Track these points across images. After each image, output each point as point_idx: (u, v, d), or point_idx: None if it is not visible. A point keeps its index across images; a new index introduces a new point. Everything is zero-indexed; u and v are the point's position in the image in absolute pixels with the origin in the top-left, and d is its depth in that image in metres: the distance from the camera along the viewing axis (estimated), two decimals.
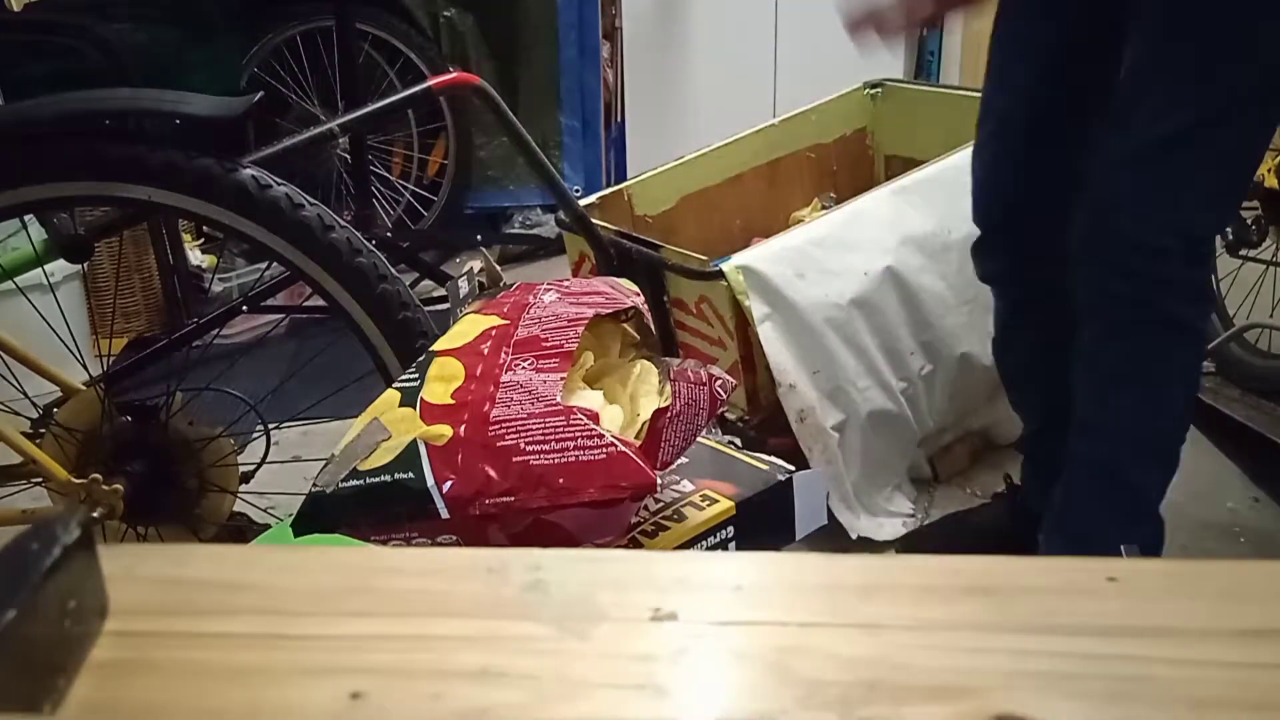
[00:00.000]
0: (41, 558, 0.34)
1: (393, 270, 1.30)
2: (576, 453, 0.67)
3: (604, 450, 0.67)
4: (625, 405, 0.77)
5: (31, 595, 0.33)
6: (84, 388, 1.44)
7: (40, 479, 1.36)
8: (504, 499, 0.67)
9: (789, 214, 2.32)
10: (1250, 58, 1.13)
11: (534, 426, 0.68)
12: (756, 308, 1.68)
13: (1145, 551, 1.29)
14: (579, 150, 3.27)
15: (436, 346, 0.80)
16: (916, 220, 1.82)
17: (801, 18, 3.09)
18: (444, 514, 0.68)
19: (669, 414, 0.74)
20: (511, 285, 0.95)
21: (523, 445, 0.68)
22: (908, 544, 1.74)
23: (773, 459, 0.88)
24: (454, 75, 1.70)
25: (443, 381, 0.75)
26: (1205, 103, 1.14)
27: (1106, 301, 1.21)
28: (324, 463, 0.73)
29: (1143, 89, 1.17)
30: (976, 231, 1.50)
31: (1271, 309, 2.08)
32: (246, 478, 1.44)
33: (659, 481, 0.75)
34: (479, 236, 3.04)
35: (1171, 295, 1.19)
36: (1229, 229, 2.08)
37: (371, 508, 0.70)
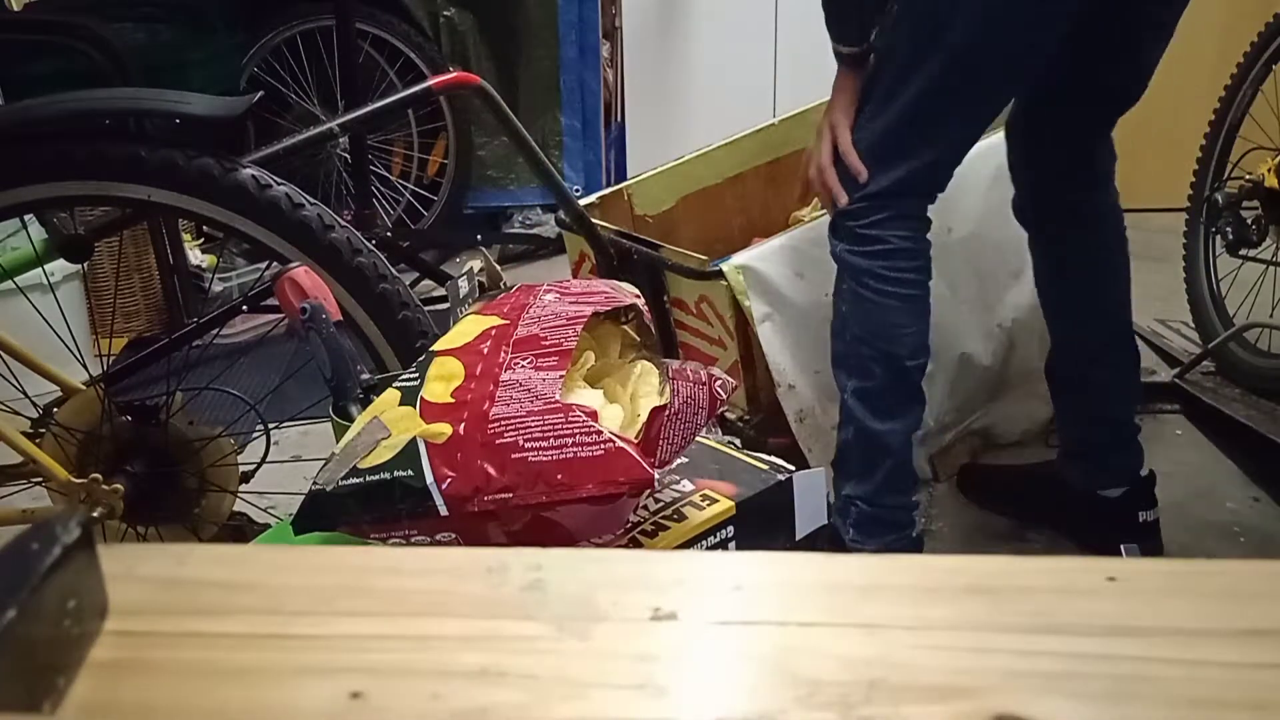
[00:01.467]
0: (41, 558, 0.34)
1: (393, 270, 1.31)
2: (575, 449, 0.67)
3: (602, 447, 0.67)
4: (625, 405, 0.77)
5: (31, 595, 0.33)
6: (84, 387, 1.44)
7: (40, 479, 1.36)
8: (502, 495, 0.67)
9: (789, 214, 2.31)
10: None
11: (533, 424, 0.68)
12: (756, 307, 1.68)
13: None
14: (579, 150, 3.27)
15: (437, 346, 0.80)
16: None
17: (801, 18, 3.09)
18: (443, 511, 0.68)
19: (668, 412, 0.74)
20: (511, 285, 0.95)
21: (521, 442, 0.68)
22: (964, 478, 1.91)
23: (773, 459, 0.88)
24: (454, 75, 1.70)
25: (443, 380, 0.75)
26: None
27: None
28: (324, 461, 0.74)
29: None
30: (975, 232, 1.54)
31: (1271, 309, 2.08)
32: (246, 477, 1.44)
33: (657, 480, 0.75)
34: (479, 236, 3.04)
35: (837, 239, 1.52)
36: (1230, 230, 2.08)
37: (371, 505, 0.70)
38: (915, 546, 1.59)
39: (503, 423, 0.69)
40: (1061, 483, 1.71)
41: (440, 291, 2.53)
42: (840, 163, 1.50)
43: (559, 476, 0.67)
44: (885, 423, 1.52)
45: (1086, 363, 1.67)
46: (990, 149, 1.68)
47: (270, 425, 1.49)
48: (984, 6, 1.36)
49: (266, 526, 1.41)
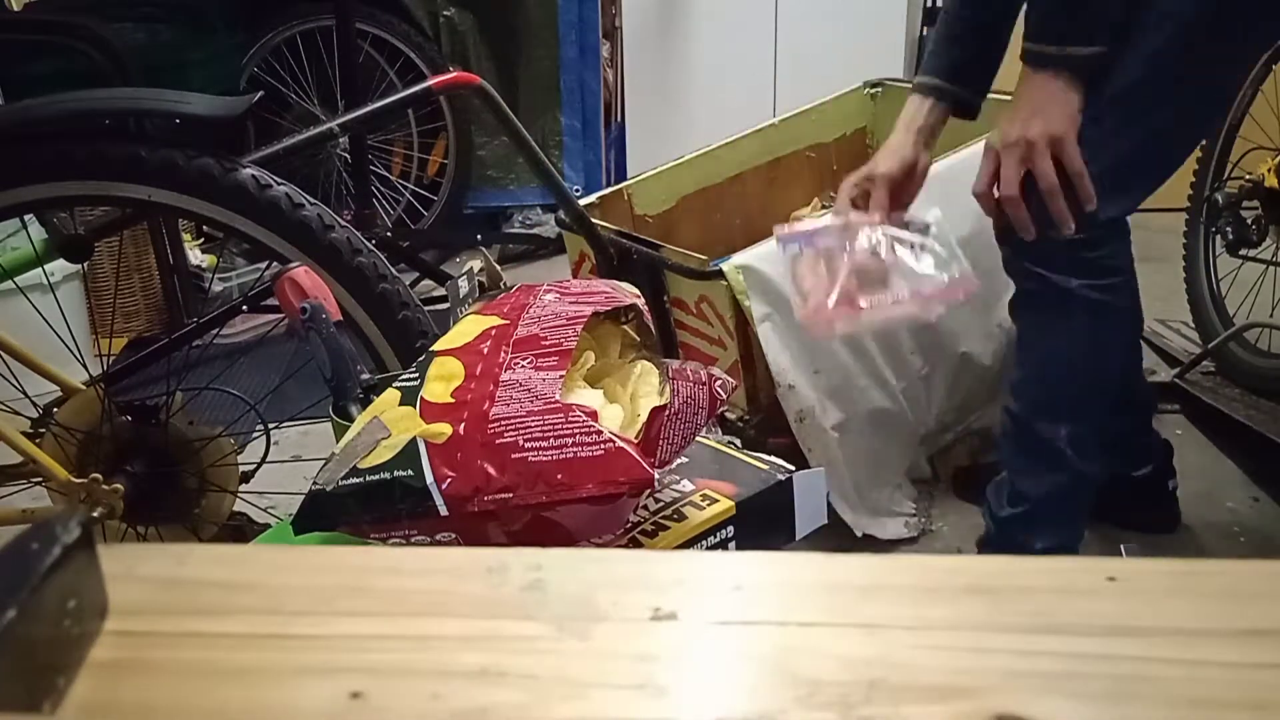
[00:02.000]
0: (41, 557, 0.34)
1: (393, 270, 1.30)
2: (575, 449, 0.67)
3: (602, 446, 0.67)
4: (625, 405, 0.77)
5: (31, 595, 0.33)
6: (84, 387, 1.44)
7: (40, 479, 1.36)
8: (502, 495, 0.67)
9: (789, 214, 2.32)
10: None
11: (533, 424, 0.69)
12: (756, 307, 1.68)
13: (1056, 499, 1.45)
14: (579, 150, 3.27)
15: (437, 346, 0.80)
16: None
17: (801, 18, 3.09)
18: (443, 511, 0.68)
19: (668, 412, 0.74)
20: (511, 285, 0.95)
21: (521, 442, 0.68)
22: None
23: (773, 459, 0.88)
24: (454, 75, 1.70)
25: (443, 380, 0.75)
26: None
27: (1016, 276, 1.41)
28: (324, 461, 0.74)
29: None
30: (976, 231, 1.53)
31: (1271, 308, 2.08)
32: (246, 477, 1.44)
33: (657, 480, 0.75)
34: (479, 236, 3.04)
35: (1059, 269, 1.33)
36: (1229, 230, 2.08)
37: (371, 505, 0.70)
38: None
39: (503, 423, 0.69)
40: None
41: (440, 291, 2.53)
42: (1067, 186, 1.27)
43: (559, 476, 0.67)
44: (1095, 463, 1.43)
45: (1130, 361, 1.64)
46: None
47: (270, 425, 1.49)
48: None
49: (266, 526, 1.41)
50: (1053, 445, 1.41)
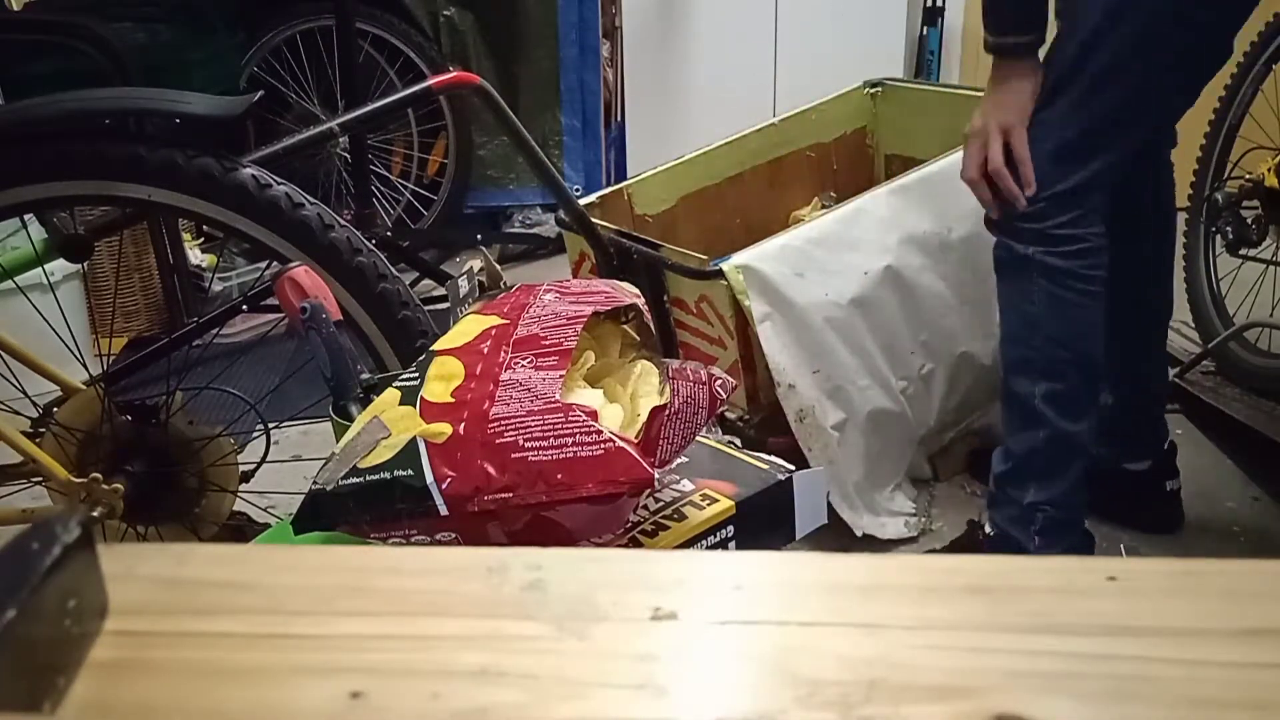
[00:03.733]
0: (41, 557, 0.34)
1: (393, 269, 1.31)
2: (575, 449, 0.67)
3: (602, 446, 0.67)
4: (625, 404, 0.77)
5: (31, 595, 0.33)
6: (84, 387, 1.44)
7: (40, 478, 1.35)
8: (502, 495, 0.67)
9: (789, 213, 2.32)
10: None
11: (533, 423, 0.69)
12: (756, 307, 1.68)
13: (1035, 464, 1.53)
14: (579, 149, 3.27)
15: (437, 346, 0.80)
16: (916, 219, 1.82)
17: (801, 18, 3.09)
18: (443, 511, 0.68)
19: (668, 412, 0.74)
20: (511, 285, 0.95)
21: (521, 442, 0.68)
22: None
23: (773, 458, 0.88)
24: (454, 74, 1.70)
25: (443, 380, 0.75)
26: None
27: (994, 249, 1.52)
28: (324, 461, 0.74)
29: None
30: (975, 231, 1.55)
31: (1271, 308, 2.08)
32: (246, 477, 1.44)
33: (657, 479, 0.75)
34: (479, 236, 3.04)
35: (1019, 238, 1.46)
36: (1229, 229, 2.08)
37: (371, 505, 0.70)
38: (1090, 542, 1.61)
39: (503, 422, 0.69)
40: None
41: (440, 291, 2.53)
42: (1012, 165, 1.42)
43: (559, 476, 0.67)
44: (1078, 423, 1.49)
45: (1132, 348, 1.66)
46: None
47: (270, 425, 1.49)
48: None
49: (266, 526, 1.41)
50: (1029, 403, 1.50)
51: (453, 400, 0.72)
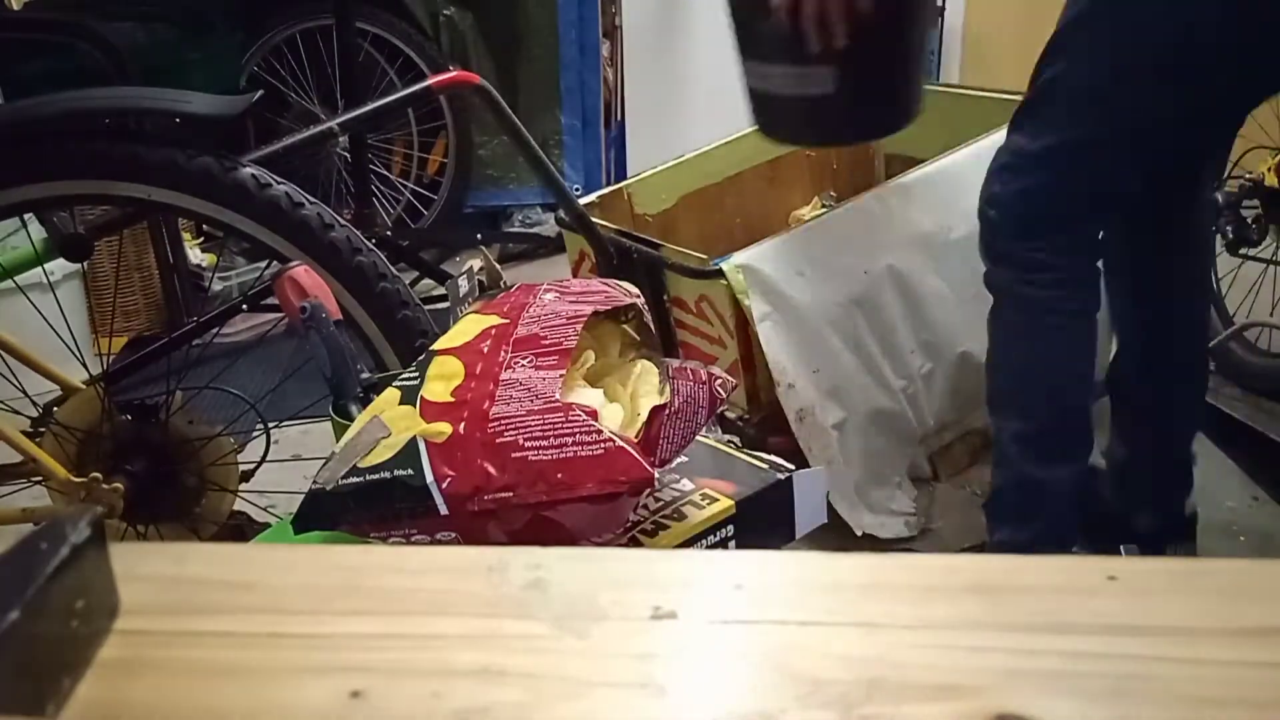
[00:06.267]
0: (49, 557, 0.34)
1: (392, 269, 1.30)
2: (575, 448, 0.67)
3: (602, 446, 0.67)
4: (625, 404, 0.77)
5: (37, 595, 0.33)
6: (84, 386, 1.44)
7: (40, 478, 1.35)
8: (502, 494, 0.67)
9: (789, 213, 2.32)
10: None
11: (533, 423, 0.68)
12: (756, 306, 1.68)
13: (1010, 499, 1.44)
14: (579, 149, 3.27)
15: (437, 345, 0.80)
16: (917, 219, 1.82)
17: None
18: (443, 510, 0.68)
19: (668, 411, 0.74)
20: (511, 284, 0.95)
21: (521, 441, 0.68)
22: None
23: (772, 458, 0.88)
24: (454, 74, 1.70)
25: (443, 380, 0.75)
26: None
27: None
28: (324, 461, 0.74)
29: None
30: (973, 232, 1.52)
31: (1271, 308, 2.08)
32: (246, 476, 1.44)
33: (657, 479, 0.75)
34: (479, 235, 3.04)
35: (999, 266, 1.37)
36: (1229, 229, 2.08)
37: (371, 504, 0.70)
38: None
39: (503, 422, 0.69)
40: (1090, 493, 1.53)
41: (440, 290, 2.53)
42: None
43: (559, 476, 0.67)
44: (1050, 469, 1.38)
45: (1167, 379, 1.50)
46: (992, 148, 1.68)
47: (270, 424, 1.49)
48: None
49: (266, 526, 1.41)
50: (999, 439, 1.43)
51: (453, 400, 0.72)
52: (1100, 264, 1.38)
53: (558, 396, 0.70)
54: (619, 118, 3.33)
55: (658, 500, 0.81)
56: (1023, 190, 1.33)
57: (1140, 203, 1.42)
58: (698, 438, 0.82)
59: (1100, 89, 1.28)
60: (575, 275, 2.08)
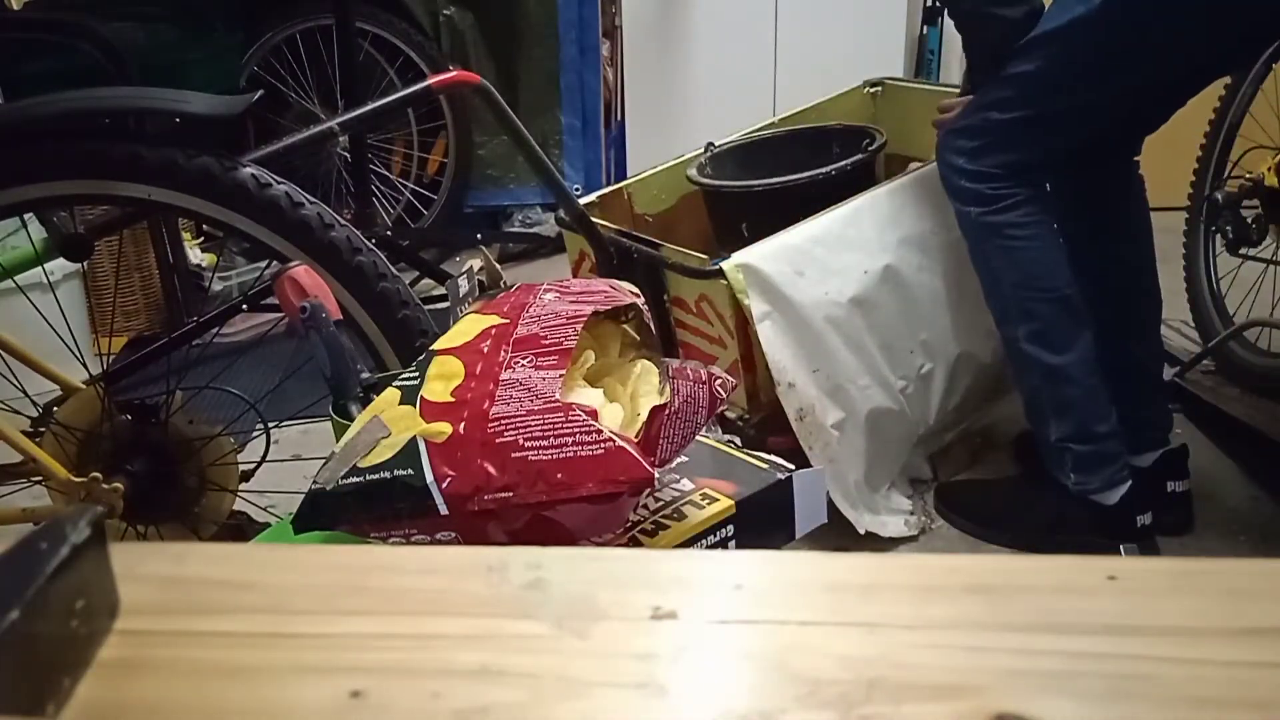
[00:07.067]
0: (49, 557, 0.34)
1: (392, 269, 1.30)
2: (575, 448, 0.67)
3: (602, 446, 0.67)
4: (625, 404, 0.77)
5: (37, 595, 0.32)
6: (84, 386, 1.44)
7: (40, 478, 1.35)
8: (502, 494, 0.67)
9: None
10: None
11: (533, 423, 0.68)
12: (756, 306, 1.68)
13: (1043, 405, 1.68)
14: (579, 149, 3.27)
15: (437, 345, 0.80)
16: (916, 219, 1.82)
17: (801, 18, 3.09)
18: (443, 510, 0.68)
19: (668, 411, 0.74)
20: (511, 284, 0.95)
21: (521, 441, 0.68)
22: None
23: (772, 458, 0.88)
24: (454, 74, 1.70)
25: (443, 380, 0.75)
26: None
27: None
28: (324, 460, 0.74)
29: None
30: None
31: (1271, 307, 2.08)
32: (246, 476, 1.44)
33: (657, 479, 0.75)
34: (479, 235, 3.04)
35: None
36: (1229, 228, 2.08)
37: (371, 504, 0.70)
38: (1131, 478, 1.65)
39: (503, 422, 0.69)
40: (1057, 484, 1.69)
41: (440, 290, 2.53)
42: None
43: (559, 475, 0.67)
44: (1063, 355, 1.62)
45: (1122, 345, 1.74)
46: None
47: (270, 424, 1.49)
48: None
49: (266, 525, 1.41)
50: (1017, 347, 1.66)
51: (453, 400, 0.72)
52: (1048, 186, 1.68)
53: (558, 396, 0.70)
54: (619, 118, 3.33)
55: (658, 500, 0.81)
56: (979, 147, 1.63)
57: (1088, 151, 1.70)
58: (698, 437, 0.82)
59: (1058, 81, 1.56)
60: (575, 275, 2.08)
